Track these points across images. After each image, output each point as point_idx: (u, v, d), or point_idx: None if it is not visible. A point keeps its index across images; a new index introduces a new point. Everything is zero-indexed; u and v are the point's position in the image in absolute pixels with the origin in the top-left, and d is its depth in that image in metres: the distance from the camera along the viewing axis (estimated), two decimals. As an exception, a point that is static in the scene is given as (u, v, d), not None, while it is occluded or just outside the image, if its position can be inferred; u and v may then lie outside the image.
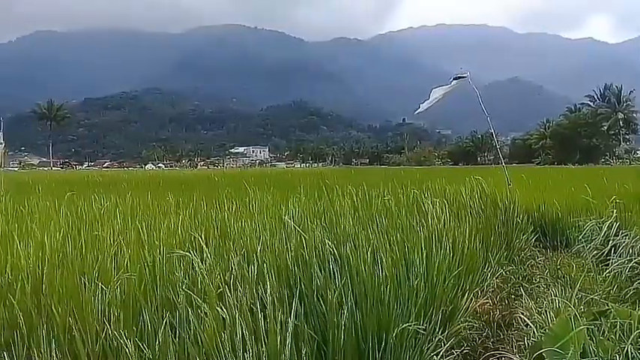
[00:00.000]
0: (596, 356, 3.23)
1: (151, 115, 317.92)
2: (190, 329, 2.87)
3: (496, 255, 6.77)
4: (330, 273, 3.75)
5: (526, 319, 4.26)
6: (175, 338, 2.80)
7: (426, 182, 12.28)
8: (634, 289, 5.19)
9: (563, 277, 6.59)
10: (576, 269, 6.96)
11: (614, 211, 7.86)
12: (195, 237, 4.44)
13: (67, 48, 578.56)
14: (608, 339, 3.42)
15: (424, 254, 4.48)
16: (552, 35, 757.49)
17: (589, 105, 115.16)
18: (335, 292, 3.39)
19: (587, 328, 3.37)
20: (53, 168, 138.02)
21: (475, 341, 4.56)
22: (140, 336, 2.85)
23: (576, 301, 4.34)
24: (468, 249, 5.51)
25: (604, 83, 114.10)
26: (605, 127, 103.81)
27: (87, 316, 2.94)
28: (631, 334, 3.33)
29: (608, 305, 3.99)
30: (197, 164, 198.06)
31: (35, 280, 3.43)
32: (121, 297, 3.20)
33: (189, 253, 3.59)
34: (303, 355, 3.01)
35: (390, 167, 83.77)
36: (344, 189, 8.84)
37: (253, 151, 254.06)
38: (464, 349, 4.25)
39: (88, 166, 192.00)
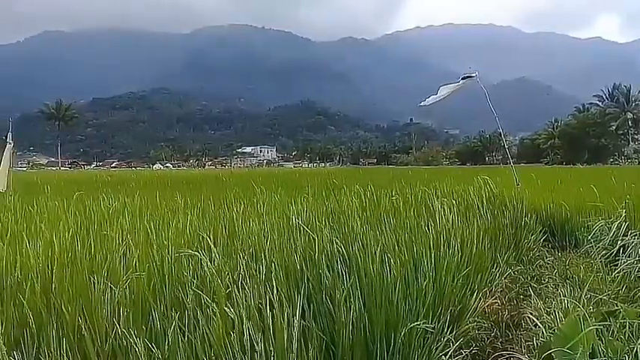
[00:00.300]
0: (605, 356, 3.21)
1: (159, 115, 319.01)
2: (200, 329, 2.87)
3: (505, 255, 6.75)
4: (338, 272, 3.75)
5: (535, 319, 4.24)
6: (184, 338, 2.81)
7: (434, 182, 12.25)
8: (643, 289, 5.16)
9: (572, 277, 6.56)
10: (585, 269, 6.92)
11: (624, 211, 7.81)
12: (203, 237, 4.45)
13: (75, 48, 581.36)
14: (618, 339, 3.40)
15: (433, 254, 4.47)
16: (560, 35, 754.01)
17: (597, 105, 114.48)
18: (343, 291, 3.39)
19: (597, 329, 3.35)
20: (61, 168, 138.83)
21: (484, 341, 4.55)
22: (149, 336, 2.86)
23: (585, 301, 4.33)
24: (476, 249, 5.49)
25: (612, 83, 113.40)
26: (614, 127, 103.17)
27: (96, 315, 2.95)
28: (640, 335, 3.32)
29: (617, 305, 3.97)
30: (205, 164, 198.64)
31: (44, 279, 3.44)
32: (130, 297, 3.21)
33: (198, 252, 3.60)
34: (311, 354, 3.01)
35: (398, 167, 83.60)
36: (352, 189, 8.85)
37: (261, 151, 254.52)
38: (472, 349, 4.24)
39: (97, 166, 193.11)
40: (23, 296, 3.14)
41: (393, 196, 7.94)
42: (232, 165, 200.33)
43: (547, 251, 8.52)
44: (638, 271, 5.84)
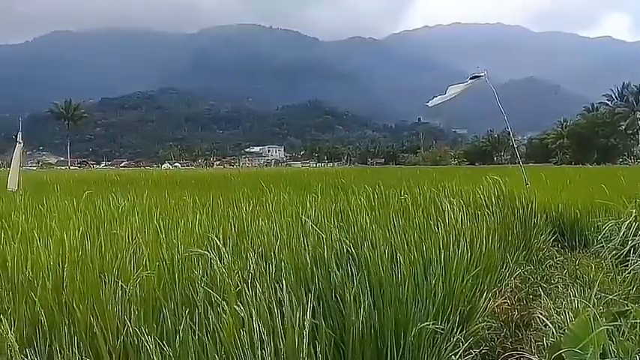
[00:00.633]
0: (616, 357, 3.19)
1: (167, 114, 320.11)
2: (210, 327, 2.88)
3: (514, 255, 6.72)
4: (347, 272, 3.75)
5: (545, 320, 4.22)
6: (195, 336, 2.82)
7: (443, 182, 12.22)
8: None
9: (582, 277, 6.53)
10: (595, 269, 6.88)
11: (634, 210, 7.75)
12: (212, 236, 4.46)
13: (83, 48, 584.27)
14: (628, 339, 3.38)
15: (442, 254, 4.46)
16: (569, 34, 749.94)
17: (607, 104, 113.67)
18: (353, 290, 3.39)
19: (607, 329, 3.33)
20: (71, 167, 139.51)
21: (493, 341, 4.54)
22: (160, 333, 2.87)
23: (595, 301, 4.30)
24: (486, 249, 5.47)
25: (622, 82, 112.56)
26: (623, 127, 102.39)
27: (107, 313, 2.97)
28: (652, 335, 3.30)
29: (627, 306, 3.95)
30: (213, 164, 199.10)
31: (56, 277, 3.47)
32: (141, 295, 3.23)
33: (208, 251, 3.61)
34: (321, 353, 3.02)
35: (406, 167, 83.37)
36: (360, 188, 8.84)
37: (269, 151, 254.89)
38: (482, 349, 4.23)
39: (106, 166, 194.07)
40: (35, 294, 3.15)
41: (401, 196, 7.93)
42: (240, 164, 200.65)
43: (557, 251, 8.48)
44: (649, 272, 5.80)
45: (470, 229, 5.69)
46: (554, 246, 8.79)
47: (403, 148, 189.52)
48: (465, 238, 5.20)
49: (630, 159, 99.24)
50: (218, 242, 3.71)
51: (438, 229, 5.34)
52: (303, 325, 2.89)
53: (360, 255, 4.08)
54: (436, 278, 4.03)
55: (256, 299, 3.05)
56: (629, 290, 5.41)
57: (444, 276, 4.21)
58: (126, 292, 3.19)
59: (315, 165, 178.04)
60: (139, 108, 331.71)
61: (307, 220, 4.90)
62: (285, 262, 3.74)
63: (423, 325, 3.44)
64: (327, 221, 5.38)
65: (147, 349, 2.66)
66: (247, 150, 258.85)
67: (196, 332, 2.85)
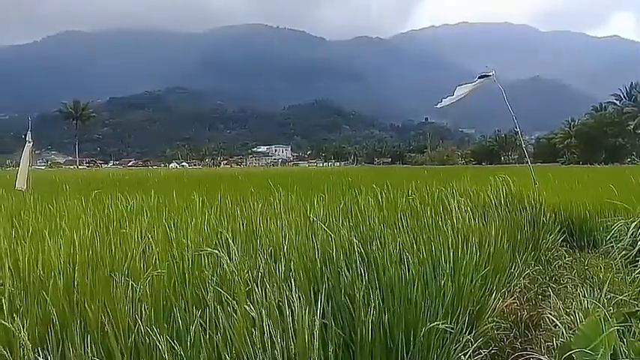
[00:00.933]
0: (627, 358, 3.18)
1: (175, 114, 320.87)
2: (221, 326, 2.89)
3: (523, 255, 6.70)
4: (356, 271, 3.75)
5: (554, 320, 4.21)
6: (206, 335, 2.82)
7: (450, 181, 12.18)
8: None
9: (592, 277, 6.50)
10: (604, 270, 6.85)
11: (644, 211, 7.71)
12: (222, 235, 4.47)
13: (91, 48, 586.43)
14: (639, 340, 3.36)
15: (451, 254, 4.45)
16: (577, 33, 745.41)
17: (615, 104, 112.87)
18: (362, 290, 3.39)
19: (618, 329, 3.32)
20: (79, 166, 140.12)
21: (503, 341, 4.53)
22: (171, 332, 2.88)
23: (605, 301, 4.29)
24: (494, 249, 5.46)
25: (630, 82, 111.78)
26: (632, 126, 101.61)
27: (119, 312, 2.98)
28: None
29: (638, 306, 3.93)
30: (220, 163, 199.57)
31: (67, 277, 3.48)
32: (151, 294, 3.24)
33: (218, 250, 3.62)
34: (331, 352, 3.02)
35: (413, 166, 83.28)
36: (368, 188, 8.83)
37: (276, 150, 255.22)
38: (491, 350, 4.22)
39: (114, 165, 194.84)
40: (46, 293, 3.17)
41: (409, 196, 7.92)
42: (247, 164, 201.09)
43: (565, 251, 8.45)
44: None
45: (478, 229, 5.68)
46: (563, 246, 8.75)
47: (410, 148, 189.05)
48: (473, 238, 5.19)
49: (639, 159, 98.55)
50: (229, 240, 3.71)
51: (447, 228, 5.33)
52: (313, 325, 2.89)
53: (369, 255, 4.08)
54: (445, 278, 4.03)
55: (266, 299, 3.06)
56: (640, 291, 5.39)
57: (452, 276, 4.20)
58: (136, 291, 3.20)
59: (321, 164, 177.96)
60: (147, 108, 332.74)
61: (316, 219, 4.90)
62: (295, 261, 3.75)
63: (432, 325, 3.44)
64: (336, 221, 5.38)
65: (158, 348, 2.67)
66: (254, 149, 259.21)
67: (207, 331, 2.86)
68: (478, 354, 3.96)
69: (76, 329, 2.81)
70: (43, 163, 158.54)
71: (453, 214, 6.17)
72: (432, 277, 3.98)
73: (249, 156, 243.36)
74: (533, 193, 9.57)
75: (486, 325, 4.42)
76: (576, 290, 5.60)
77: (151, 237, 4.63)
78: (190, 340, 2.77)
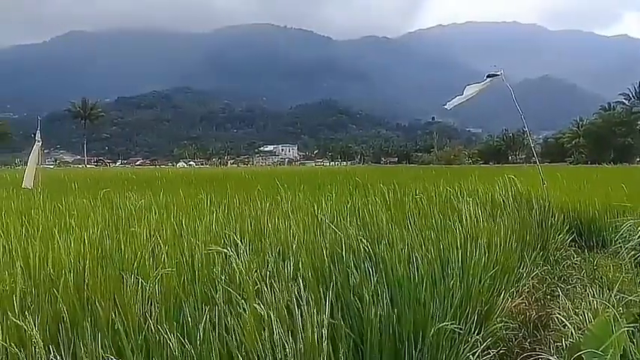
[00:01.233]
0: (637, 359, 3.16)
1: (182, 113, 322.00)
2: (230, 325, 2.90)
3: (531, 255, 6.67)
4: (365, 271, 3.74)
5: (563, 320, 4.19)
6: (216, 334, 2.83)
7: (458, 181, 12.16)
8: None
9: (601, 277, 6.47)
10: (614, 270, 6.81)
11: (653, 211, 7.67)
12: (230, 234, 4.48)
13: (99, 48, 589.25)
14: (650, 341, 3.34)
15: (459, 253, 4.44)
16: (586, 32, 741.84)
17: (624, 103, 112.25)
18: (371, 289, 3.39)
19: (628, 330, 3.30)
20: (87, 165, 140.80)
21: (511, 341, 4.52)
22: (181, 330, 2.89)
23: (615, 302, 4.26)
24: (503, 248, 5.44)
25: (639, 81, 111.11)
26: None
27: (129, 310, 3.00)
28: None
29: (648, 307, 3.91)
30: (227, 162, 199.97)
31: (77, 274, 3.50)
32: (161, 292, 3.26)
33: (227, 249, 3.62)
34: (340, 352, 3.02)
35: (420, 166, 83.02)
36: (375, 187, 8.83)
37: (282, 150, 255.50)
38: (500, 350, 4.21)
39: (121, 164, 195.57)
40: (57, 291, 3.19)
41: (417, 195, 7.91)
42: (254, 163, 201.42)
43: (574, 251, 8.40)
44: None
45: (487, 229, 5.66)
46: (572, 246, 8.70)
47: (417, 147, 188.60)
48: (482, 237, 5.17)
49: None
50: (237, 240, 3.72)
51: (455, 228, 5.32)
52: (322, 324, 2.89)
53: (377, 254, 4.08)
54: (454, 278, 4.02)
55: (275, 298, 3.07)
56: (650, 291, 5.35)
57: (461, 276, 4.19)
58: (146, 289, 3.22)
59: (328, 164, 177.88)
60: (155, 107, 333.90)
61: (324, 218, 4.91)
62: (303, 260, 3.75)
63: (442, 325, 3.43)
64: (343, 220, 5.38)
65: (169, 346, 2.68)
66: (261, 149, 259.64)
67: (217, 330, 2.87)
68: (487, 354, 3.95)
69: (87, 327, 2.83)
70: (52, 162, 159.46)
71: (462, 214, 6.16)
72: (440, 277, 3.97)
73: (256, 155, 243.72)
74: (541, 192, 9.54)
75: (495, 325, 4.40)
76: (585, 290, 5.57)
77: (160, 235, 4.65)
78: (200, 338, 2.79)
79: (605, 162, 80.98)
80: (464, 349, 3.71)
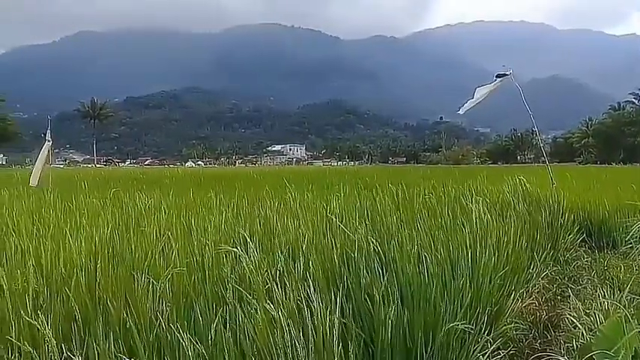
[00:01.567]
0: (648, 360, 3.14)
1: (191, 113, 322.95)
2: (241, 325, 2.90)
3: (541, 255, 6.64)
4: (375, 271, 3.74)
5: (574, 321, 4.17)
6: (227, 333, 2.84)
7: (467, 181, 12.12)
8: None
9: (611, 278, 6.43)
10: (624, 270, 6.77)
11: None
12: (240, 234, 4.49)
13: (109, 48, 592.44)
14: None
15: (469, 254, 4.42)
16: (595, 31, 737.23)
17: (633, 103, 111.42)
18: (381, 290, 3.39)
19: (639, 331, 3.28)
20: (97, 165, 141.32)
21: (522, 342, 4.50)
22: (193, 330, 2.90)
23: (626, 302, 4.24)
24: (513, 249, 5.41)
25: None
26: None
27: (140, 309, 3.01)
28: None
29: (660, 308, 3.88)
30: (235, 162, 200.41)
31: (88, 273, 3.52)
32: (172, 291, 3.27)
33: (237, 249, 3.63)
34: (350, 352, 3.02)
35: (428, 166, 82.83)
36: (384, 187, 8.81)
37: (290, 149, 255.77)
38: (510, 350, 4.20)
39: (130, 164, 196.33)
40: (69, 290, 3.21)
41: (425, 195, 7.89)
42: (262, 163, 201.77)
43: (584, 251, 8.36)
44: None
45: (497, 229, 5.63)
46: (582, 246, 8.66)
47: (425, 147, 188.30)
48: (491, 237, 5.15)
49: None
50: (247, 239, 3.73)
51: (464, 228, 5.30)
52: (334, 324, 2.90)
53: (387, 254, 4.08)
54: (464, 278, 4.01)
55: (286, 298, 3.07)
56: (661, 292, 5.31)
57: (471, 276, 4.18)
58: (157, 288, 3.23)
59: (335, 164, 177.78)
60: (163, 107, 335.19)
61: (334, 218, 4.91)
62: (313, 260, 3.75)
63: (452, 325, 3.43)
64: (352, 220, 5.37)
65: (180, 345, 2.69)
66: (269, 149, 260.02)
67: (227, 329, 2.88)
68: (497, 354, 3.93)
69: (99, 326, 2.84)
70: (62, 162, 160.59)
71: (472, 214, 6.13)
72: (450, 278, 3.96)
73: (264, 155, 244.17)
74: (551, 192, 9.49)
75: (505, 325, 4.39)
76: (596, 291, 5.54)
77: (170, 235, 4.67)
78: (212, 337, 2.80)
79: (615, 162, 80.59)
80: (474, 350, 3.70)
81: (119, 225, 5.63)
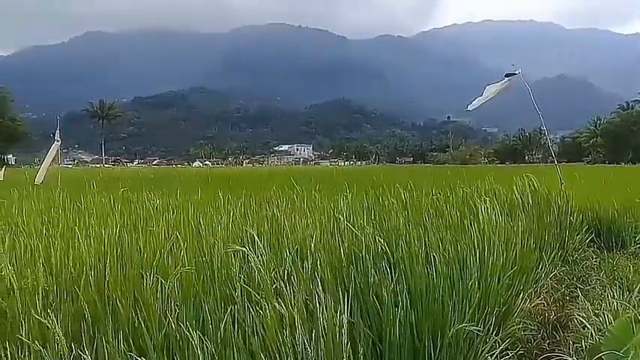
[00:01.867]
0: (658, 361, 3.12)
1: (198, 113, 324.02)
2: (250, 324, 2.91)
3: (550, 255, 6.61)
4: (383, 271, 3.74)
5: (583, 321, 4.15)
6: (236, 332, 2.85)
7: (475, 181, 12.07)
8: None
9: (620, 278, 6.39)
10: (634, 271, 6.73)
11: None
12: (248, 232, 4.49)
13: (117, 48, 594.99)
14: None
15: (478, 254, 4.41)
16: (603, 30, 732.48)
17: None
18: (390, 290, 3.39)
19: (649, 332, 3.26)
20: (105, 165, 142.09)
21: (530, 343, 4.48)
22: (201, 329, 2.91)
23: (635, 303, 4.22)
24: (521, 249, 5.40)
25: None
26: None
27: (150, 308, 3.02)
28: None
29: (670, 309, 3.85)
30: (242, 162, 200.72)
31: (97, 273, 3.54)
32: (180, 291, 3.28)
33: (245, 248, 3.64)
34: (360, 353, 3.02)
35: (435, 166, 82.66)
36: (391, 187, 8.79)
37: (297, 149, 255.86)
38: (518, 351, 4.18)
39: (138, 164, 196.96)
40: (78, 289, 3.23)
41: (433, 195, 7.87)
42: (269, 163, 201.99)
43: (593, 252, 8.32)
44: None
45: (505, 229, 5.61)
46: (591, 246, 8.62)
47: (432, 147, 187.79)
48: (500, 238, 5.13)
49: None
50: (256, 238, 3.73)
51: (473, 228, 5.28)
52: (343, 323, 2.90)
53: (395, 254, 4.07)
54: (472, 279, 4.00)
55: (294, 297, 3.08)
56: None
57: (479, 276, 4.17)
58: (166, 288, 3.24)
59: (343, 164, 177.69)
60: (171, 107, 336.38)
61: (342, 218, 4.90)
62: (322, 260, 3.75)
63: (460, 325, 3.42)
64: (360, 220, 5.36)
65: (190, 344, 2.70)
66: (276, 148, 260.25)
67: (236, 327, 2.88)
68: (505, 355, 3.92)
69: (108, 324, 2.86)
70: (70, 162, 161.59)
71: (479, 214, 6.11)
72: (459, 278, 3.95)
73: (271, 155, 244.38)
74: (559, 192, 9.44)
75: (513, 326, 4.38)
76: (605, 291, 5.51)
77: (179, 234, 4.68)
78: (221, 336, 2.81)
79: (624, 162, 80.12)
80: (482, 350, 3.69)
81: (128, 225, 5.65)
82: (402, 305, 3.32)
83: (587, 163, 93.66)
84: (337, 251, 4.01)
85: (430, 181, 12.92)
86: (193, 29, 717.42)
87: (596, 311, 4.44)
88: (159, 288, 3.23)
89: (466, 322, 3.51)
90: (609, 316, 4.14)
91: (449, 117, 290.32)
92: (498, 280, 4.38)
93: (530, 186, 9.43)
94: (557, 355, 3.97)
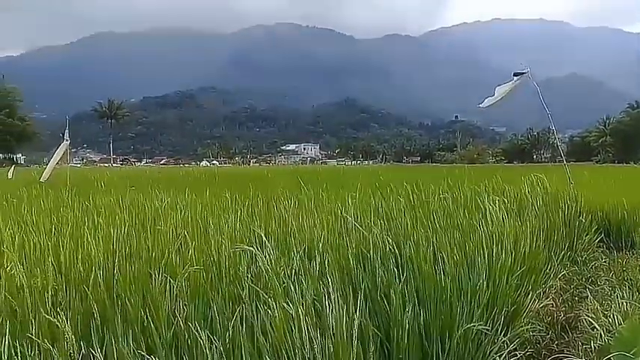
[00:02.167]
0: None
1: (206, 113, 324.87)
2: (258, 324, 2.92)
3: (559, 255, 6.58)
4: (391, 271, 3.74)
5: (592, 322, 4.13)
6: (244, 331, 2.86)
7: (482, 180, 12.02)
8: None
9: (630, 279, 6.35)
10: (643, 272, 6.68)
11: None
12: (256, 232, 4.50)
13: (125, 48, 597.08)
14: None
15: (486, 254, 4.39)
16: (613, 29, 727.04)
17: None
18: (397, 289, 3.38)
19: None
20: (113, 164, 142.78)
21: (539, 343, 4.47)
22: (210, 328, 2.92)
23: (646, 304, 4.19)
24: (529, 249, 5.37)
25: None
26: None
27: (158, 307, 3.04)
28: None
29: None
30: (249, 161, 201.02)
31: (106, 272, 3.56)
32: (189, 290, 3.29)
33: (253, 247, 3.65)
34: (370, 352, 3.02)
35: (443, 165, 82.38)
36: (399, 187, 8.78)
37: (304, 149, 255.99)
38: (527, 351, 4.17)
39: (146, 163, 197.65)
40: (87, 288, 3.24)
41: (441, 194, 7.84)
42: (277, 162, 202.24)
43: (602, 252, 8.27)
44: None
45: (514, 229, 5.59)
46: (600, 247, 8.57)
47: (439, 146, 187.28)
48: (508, 237, 5.11)
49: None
50: (263, 238, 3.74)
51: (481, 228, 5.26)
52: (352, 323, 2.90)
53: (403, 254, 4.07)
54: (480, 279, 3.99)
55: (302, 297, 3.08)
56: (681, 293, 5.24)
57: (487, 276, 4.15)
58: (174, 287, 3.26)
59: (350, 163, 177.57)
60: (179, 107, 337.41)
61: (350, 218, 4.90)
62: (330, 260, 3.75)
63: (469, 326, 3.41)
64: (368, 219, 5.36)
65: (198, 343, 2.71)
66: (283, 148, 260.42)
67: (245, 328, 2.89)
68: (514, 355, 3.91)
69: (117, 323, 2.87)
70: (79, 161, 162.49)
71: (487, 214, 6.09)
72: (467, 278, 3.94)
73: (278, 154, 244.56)
74: (568, 192, 9.39)
75: (522, 326, 4.36)
76: (614, 292, 5.48)
77: (187, 233, 4.70)
78: (229, 335, 2.81)
79: (634, 161, 79.62)
80: (490, 351, 3.68)
81: (136, 224, 5.67)
82: (411, 305, 3.32)
83: (597, 162, 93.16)
84: (345, 251, 4.00)
85: (438, 180, 12.87)
86: (200, 29, 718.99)
87: (606, 312, 4.43)
88: (167, 287, 3.24)
89: (474, 322, 3.50)
90: (619, 317, 4.13)
91: (456, 116, 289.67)
92: (507, 280, 4.36)
93: (539, 185, 9.39)
94: (566, 356, 3.96)
